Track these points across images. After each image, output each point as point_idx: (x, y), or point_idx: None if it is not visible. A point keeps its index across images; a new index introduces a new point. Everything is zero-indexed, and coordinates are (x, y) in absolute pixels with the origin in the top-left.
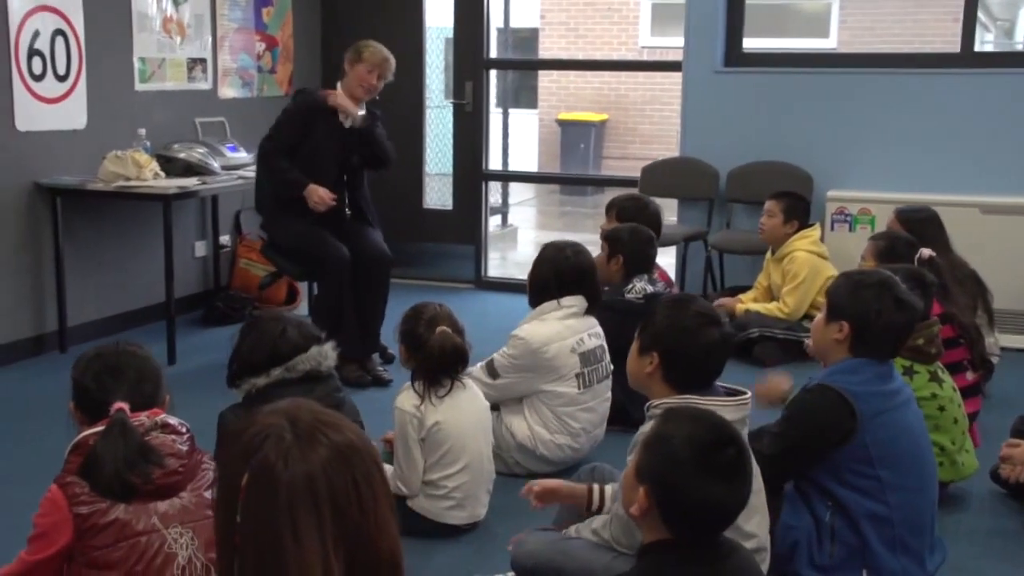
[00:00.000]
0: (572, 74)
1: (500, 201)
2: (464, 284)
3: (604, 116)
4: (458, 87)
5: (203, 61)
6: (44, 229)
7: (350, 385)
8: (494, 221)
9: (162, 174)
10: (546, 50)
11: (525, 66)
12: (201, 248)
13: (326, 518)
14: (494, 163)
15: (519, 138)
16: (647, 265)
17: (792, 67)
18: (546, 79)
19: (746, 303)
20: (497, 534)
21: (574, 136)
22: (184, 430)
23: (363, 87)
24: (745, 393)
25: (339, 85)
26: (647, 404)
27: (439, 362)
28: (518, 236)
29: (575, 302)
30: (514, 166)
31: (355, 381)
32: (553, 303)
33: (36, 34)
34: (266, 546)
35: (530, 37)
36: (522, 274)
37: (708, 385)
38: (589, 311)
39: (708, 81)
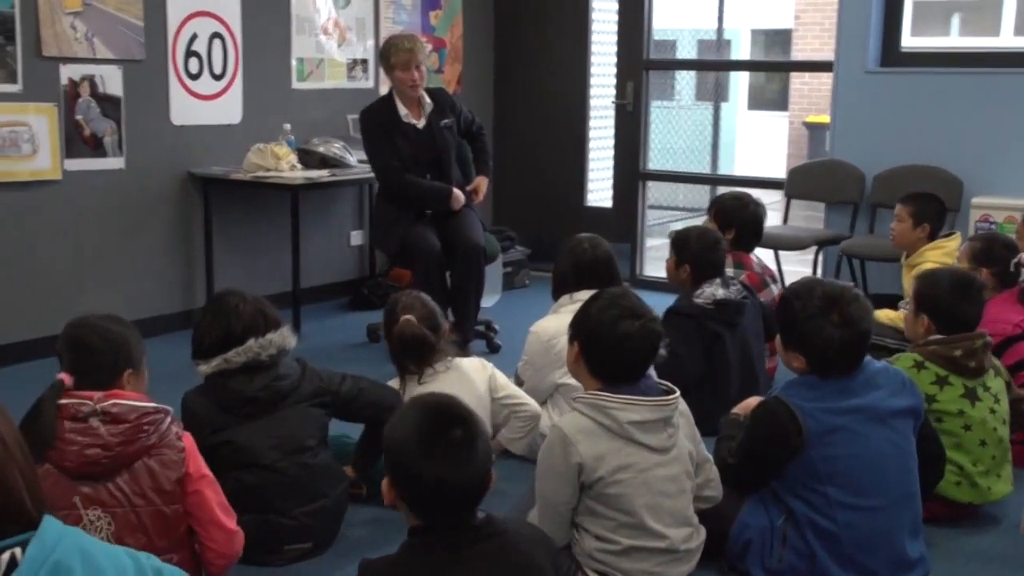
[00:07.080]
0: (824, 76)
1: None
2: None
3: None
4: (620, 87)
5: (364, 62)
6: (196, 215)
7: None
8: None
9: (299, 166)
10: (799, 51)
11: (681, 66)
12: (357, 237)
13: None
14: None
15: (768, 140)
16: (715, 270)
17: (947, 67)
18: (797, 81)
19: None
20: None
21: (822, 138)
22: (132, 417)
23: (408, 85)
24: (673, 393)
25: (392, 90)
26: (573, 396)
27: (400, 349)
28: None
29: (588, 295)
30: (761, 169)
31: None
32: (567, 296)
33: (194, 37)
34: None
35: (785, 39)
36: None
37: (633, 380)
38: None
39: (859, 82)
